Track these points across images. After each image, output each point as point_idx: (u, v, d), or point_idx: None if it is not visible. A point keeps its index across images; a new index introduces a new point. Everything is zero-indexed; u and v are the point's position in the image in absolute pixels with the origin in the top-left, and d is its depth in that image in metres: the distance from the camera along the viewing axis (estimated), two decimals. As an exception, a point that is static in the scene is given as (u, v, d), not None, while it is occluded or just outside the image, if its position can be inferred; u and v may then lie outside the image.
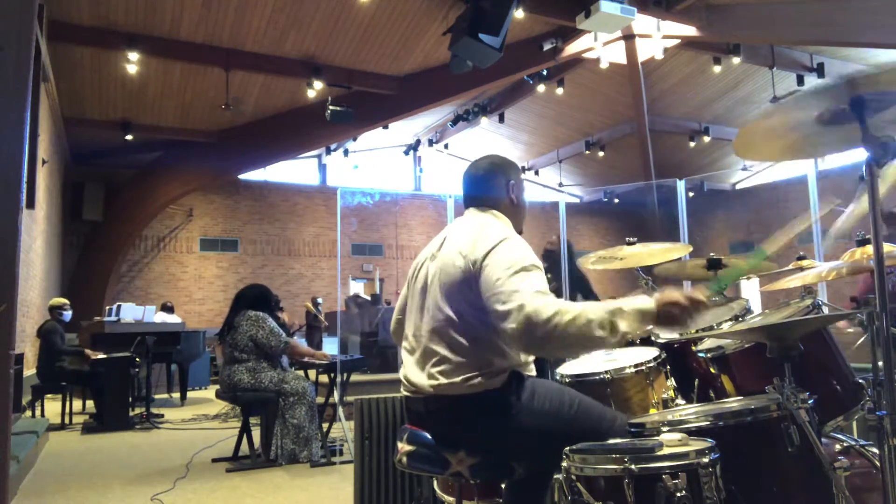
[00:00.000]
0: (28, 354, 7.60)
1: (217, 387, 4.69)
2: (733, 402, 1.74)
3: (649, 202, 11.44)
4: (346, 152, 16.04)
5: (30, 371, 7.24)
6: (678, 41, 9.84)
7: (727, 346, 1.93)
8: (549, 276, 1.96)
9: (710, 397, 2.03)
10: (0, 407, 2.35)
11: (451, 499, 2.03)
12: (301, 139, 11.92)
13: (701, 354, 2.03)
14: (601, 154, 15.24)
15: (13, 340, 2.40)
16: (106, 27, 8.50)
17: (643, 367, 2.08)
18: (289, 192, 15.94)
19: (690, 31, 9.23)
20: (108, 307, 9.38)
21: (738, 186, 18.04)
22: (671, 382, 2.13)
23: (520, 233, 1.92)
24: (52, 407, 7.03)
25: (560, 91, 11.93)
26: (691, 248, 2.83)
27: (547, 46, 9.55)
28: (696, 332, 2.08)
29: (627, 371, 2.07)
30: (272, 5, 8.41)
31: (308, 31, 9.13)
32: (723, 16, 9.24)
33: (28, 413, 6.53)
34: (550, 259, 5.46)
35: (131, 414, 6.52)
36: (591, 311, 1.49)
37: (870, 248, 1.66)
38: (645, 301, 1.54)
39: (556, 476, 1.62)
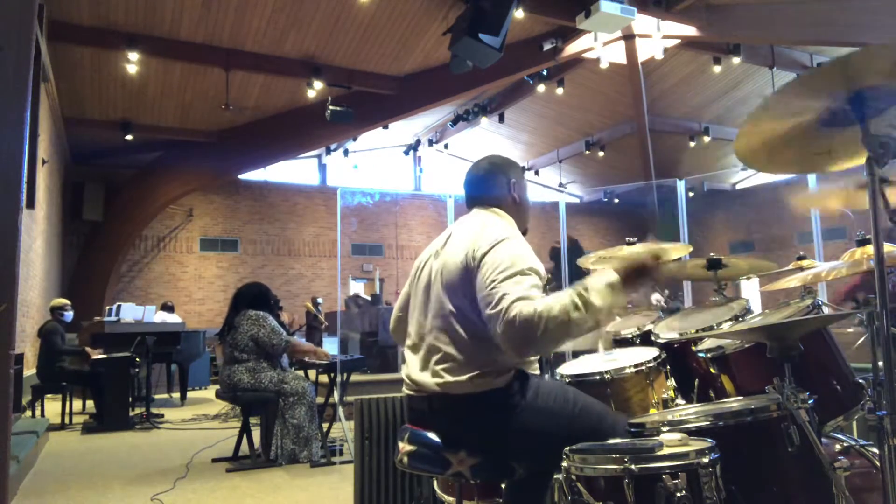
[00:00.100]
0: (28, 354, 7.59)
1: (217, 387, 4.68)
2: (733, 402, 1.74)
3: (649, 202, 11.43)
4: (346, 152, 16.04)
5: (30, 371, 7.23)
6: (678, 41, 9.83)
7: (727, 346, 1.93)
8: (550, 275, 1.97)
9: (710, 397, 2.03)
10: (0, 407, 2.36)
11: (451, 499, 2.03)
12: (301, 139, 11.92)
13: (701, 354, 2.03)
14: (601, 154, 15.24)
15: (13, 340, 2.40)
16: (106, 27, 8.50)
17: (643, 367, 2.08)
18: (289, 192, 15.94)
19: (690, 31, 9.23)
20: (108, 307, 9.39)
21: (738, 186, 18.04)
22: (671, 382, 2.14)
23: (524, 232, 1.91)
24: (52, 407, 7.03)
25: (560, 91, 11.92)
26: (691, 248, 2.83)
27: (547, 46, 9.55)
28: (696, 332, 2.08)
29: (627, 371, 2.08)
30: (272, 5, 8.41)
31: (308, 31, 9.13)
32: (723, 16, 9.24)
33: (28, 413, 6.53)
34: (559, 258, 5.47)
35: (131, 414, 6.52)
36: (561, 297, 1.51)
37: (870, 248, 1.65)
38: (607, 271, 1.59)
39: (556, 476, 1.61)
